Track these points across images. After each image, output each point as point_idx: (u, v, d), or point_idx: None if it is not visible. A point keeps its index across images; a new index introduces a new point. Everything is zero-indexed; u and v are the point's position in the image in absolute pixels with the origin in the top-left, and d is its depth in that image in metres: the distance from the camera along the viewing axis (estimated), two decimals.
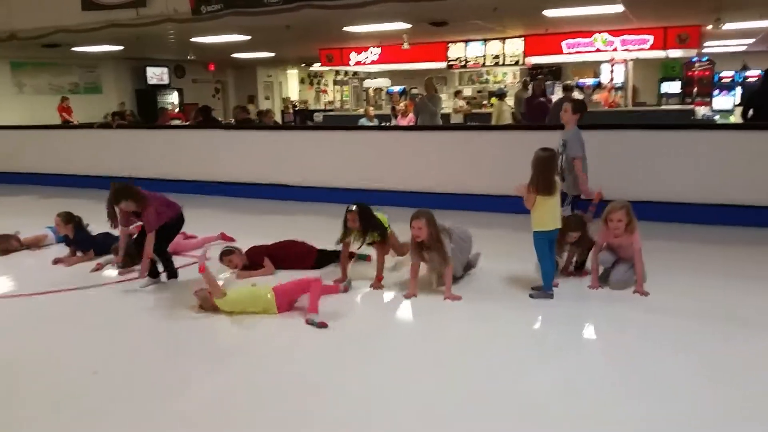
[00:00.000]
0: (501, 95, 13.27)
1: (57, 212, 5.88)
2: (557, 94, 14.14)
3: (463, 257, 4.84)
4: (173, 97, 19.26)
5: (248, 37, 12.72)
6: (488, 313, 4.27)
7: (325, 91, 24.51)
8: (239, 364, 3.62)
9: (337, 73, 21.80)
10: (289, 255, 5.35)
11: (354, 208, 4.81)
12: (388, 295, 4.70)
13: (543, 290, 4.46)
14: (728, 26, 11.26)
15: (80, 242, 5.81)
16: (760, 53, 18.23)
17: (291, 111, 20.11)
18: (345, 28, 12.03)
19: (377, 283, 4.85)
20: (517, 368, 3.46)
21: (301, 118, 13.24)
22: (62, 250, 6.00)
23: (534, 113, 9.91)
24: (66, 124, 14.51)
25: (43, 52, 14.06)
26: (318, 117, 16.72)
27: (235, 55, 17.14)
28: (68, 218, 5.80)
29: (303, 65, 22.71)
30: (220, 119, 14.11)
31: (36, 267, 5.79)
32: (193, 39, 12.78)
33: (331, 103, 23.25)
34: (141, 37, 11.84)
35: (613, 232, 4.45)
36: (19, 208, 8.89)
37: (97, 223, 5.59)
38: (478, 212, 7.07)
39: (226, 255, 5.23)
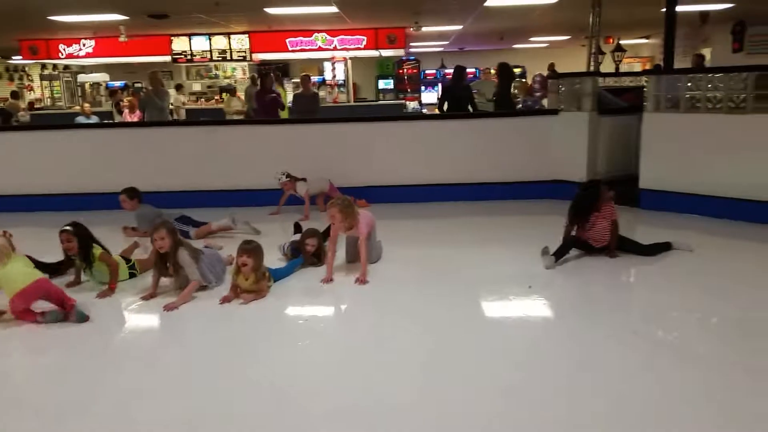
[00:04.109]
0: (231, 90, 13.31)
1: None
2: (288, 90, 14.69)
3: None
4: None
5: None
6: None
7: (30, 87, 21.71)
8: None
9: (44, 67, 19.48)
10: None
11: (68, 228, 4.53)
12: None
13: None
14: (426, 29, 12.90)
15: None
16: (455, 53, 21.14)
17: None
18: (50, 17, 10.89)
19: (108, 292, 4.54)
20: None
21: (3, 118, 11.61)
22: None
23: (266, 108, 10.21)
24: None
25: None
26: (24, 116, 14.82)
27: None
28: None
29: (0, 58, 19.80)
30: None
31: None
32: None
33: (38, 100, 20.70)
34: None
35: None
36: None
37: None
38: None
39: None
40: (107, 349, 3.76)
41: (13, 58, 18.47)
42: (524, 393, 2.99)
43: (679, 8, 7.09)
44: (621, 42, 15.35)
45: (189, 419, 2.87)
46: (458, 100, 8.98)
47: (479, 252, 5.48)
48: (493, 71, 11.69)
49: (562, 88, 7.49)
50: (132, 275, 4.88)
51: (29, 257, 4.35)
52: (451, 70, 9.87)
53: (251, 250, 4.32)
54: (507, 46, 20.08)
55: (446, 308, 4.14)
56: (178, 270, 4.41)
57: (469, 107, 8.98)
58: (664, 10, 7.08)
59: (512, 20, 13.54)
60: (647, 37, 18.74)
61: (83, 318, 3.98)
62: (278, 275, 4.69)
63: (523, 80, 14.94)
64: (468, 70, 11.77)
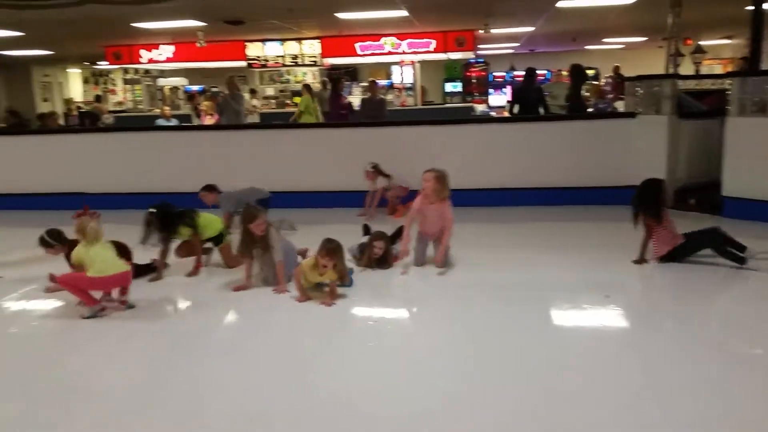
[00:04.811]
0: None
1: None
2: (355, 95, 14.93)
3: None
4: None
5: (21, 33, 11.51)
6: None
7: (113, 91, 22.85)
8: None
9: (126, 71, 20.47)
10: None
11: (151, 209, 4.84)
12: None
13: None
14: (496, 31, 12.77)
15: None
16: (525, 55, 20.82)
17: (76, 113, 18.46)
18: (133, 24, 11.44)
19: (194, 271, 4.99)
20: None
21: (90, 121, 12.28)
22: None
23: (338, 111, 10.44)
24: None
25: None
26: (108, 119, 15.62)
27: (4, 52, 15.32)
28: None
29: (86, 63, 20.94)
30: None
31: None
32: None
33: (121, 103, 21.76)
34: None
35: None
36: None
37: None
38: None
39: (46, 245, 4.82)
40: (188, 339, 3.92)
41: (98, 63, 19.52)
42: (593, 405, 2.93)
43: (767, 6, 6.76)
44: (700, 43, 14.73)
45: (256, 414, 2.95)
46: (529, 102, 8.86)
47: (551, 258, 5.37)
48: (565, 73, 11.45)
49: (640, 91, 7.27)
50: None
51: (120, 243, 4.60)
52: (521, 72, 9.75)
53: (333, 250, 4.31)
54: (579, 47, 19.62)
55: (516, 316, 4.08)
56: (269, 250, 4.57)
57: (541, 110, 8.85)
58: (751, 7, 6.76)
59: (585, 21, 13.23)
60: (729, 38, 17.88)
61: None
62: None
63: (595, 82, 14.55)
64: (539, 72, 11.59)
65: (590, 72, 15.39)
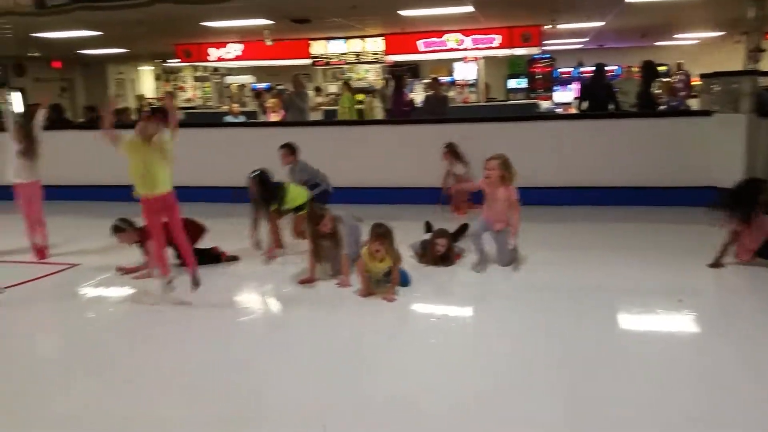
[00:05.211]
0: (371, 92, 13.70)
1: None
2: (417, 92, 14.90)
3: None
4: (17, 98, 17.58)
5: (98, 33, 12.04)
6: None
7: (183, 88, 23.62)
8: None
9: (196, 69, 21.11)
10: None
11: (254, 174, 5.19)
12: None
13: None
14: (563, 26, 12.47)
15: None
16: (593, 50, 20.26)
17: (148, 109, 19.18)
18: (203, 23, 11.78)
19: (269, 254, 5.25)
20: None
21: (163, 116, 12.71)
22: None
23: (401, 108, 10.46)
24: None
25: None
26: (179, 115, 16.14)
27: (83, 51, 16.07)
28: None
29: (157, 61, 21.73)
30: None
31: None
32: (36, 34, 11.86)
33: (190, 100, 22.47)
34: None
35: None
36: None
37: None
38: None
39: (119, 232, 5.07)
40: (252, 331, 4.03)
41: (169, 61, 20.21)
42: (663, 414, 2.82)
43: None
44: None
45: (320, 408, 2.99)
46: (599, 99, 8.63)
47: (620, 260, 5.21)
48: (635, 69, 11.08)
49: (716, 89, 6.95)
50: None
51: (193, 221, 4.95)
52: (590, 68, 9.50)
53: (382, 234, 4.37)
54: (649, 43, 18.93)
55: (583, 318, 3.98)
56: (339, 243, 4.67)
57: (611, 106, 8.60)
58: None
59: (657, 16, 12.74)
60: None
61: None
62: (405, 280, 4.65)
63: (666, 79, 14.02)
64: (608, 67, 11.25)
65: (661, 69, 14.84)
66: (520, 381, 3.19)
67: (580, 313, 4.06)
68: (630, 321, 4.06)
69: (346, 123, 9.85)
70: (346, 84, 13.35)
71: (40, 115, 5.75)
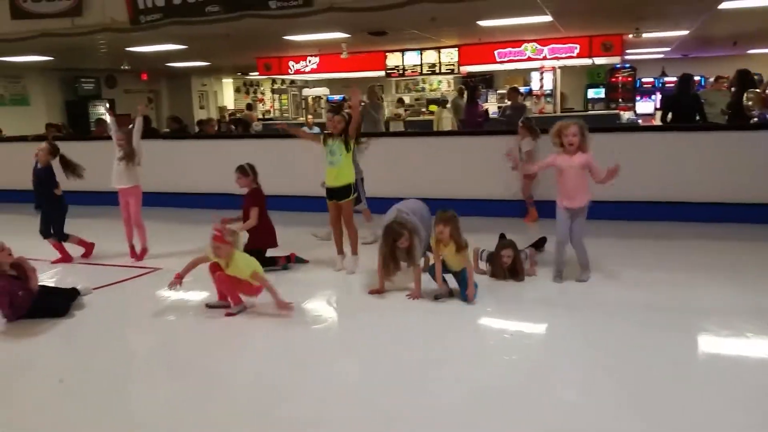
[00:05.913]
0: (442, 102, 13.69)
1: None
2: (491, 102, 14.77)
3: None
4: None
5: (185, 47, 12.62)
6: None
7: (262, 100, 24.39)
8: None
9: (274, 81, 21.74)
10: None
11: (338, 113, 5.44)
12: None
13: None
14: (647, 35, 12.03)
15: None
16: (677, 60, 19.44)
17: (227, 120, 19.90)
18: (285, 37, 12.12)
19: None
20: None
21: (242, 128, 13.17)
22: None
23: (474, 119, 10.40)
24: None
25: None
26: (257, 126, 16.66)
27: (169, 64, 16.89)
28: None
29: (239, 74, 22.56)
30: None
31: None
32: (128, 49, 12.56)
33: (268, 111, 23.17)
34: (72, 48, 11.55)
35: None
36: None
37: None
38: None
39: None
40: (320, 338, 4.09)
41: (249, 74, 20.92)
42: None
43: None
44: None
45: (389, 417, 3.00)
46: (684, 110, 8.25)
47: (708, 279, 4.95)
48: (724, 78, 10.53)
49: None
50: None
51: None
52: (673, 78, 9.11)
53: (447, 219, 4.45)
54: (740, 51, 17.97)
55: (666, 340, 3.80)
56: (412, 256, 4.64)
57: (698, 118, 8.21)
58: None
59: (751, 23, 12.08)
60: None
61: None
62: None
63: (758, 90, 13.23)
64: (693, 78, 10.76)
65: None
66: (585, 408, 3.08)
67: (662, 334, 3.88)
68: (711, 344, 3.85)
69: (418, 134, 9.86)
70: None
71: (139, 123, 6.06)
